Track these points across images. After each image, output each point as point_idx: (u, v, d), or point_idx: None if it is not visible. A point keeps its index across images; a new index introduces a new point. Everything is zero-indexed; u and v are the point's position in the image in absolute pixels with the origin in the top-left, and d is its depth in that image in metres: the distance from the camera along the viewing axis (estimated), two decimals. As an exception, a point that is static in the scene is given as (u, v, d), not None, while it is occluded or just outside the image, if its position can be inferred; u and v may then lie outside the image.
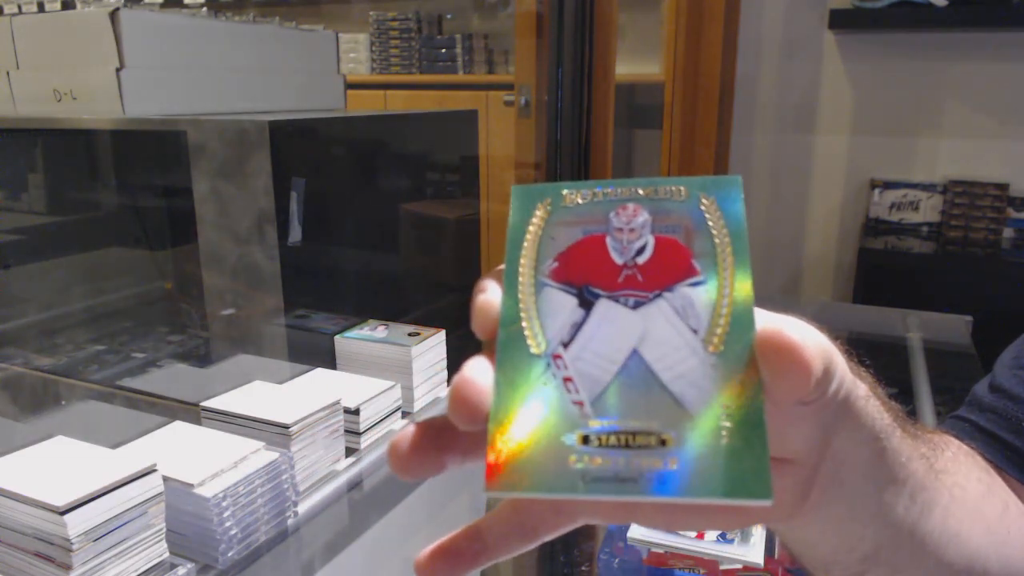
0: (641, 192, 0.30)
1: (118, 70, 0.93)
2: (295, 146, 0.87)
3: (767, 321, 0.25)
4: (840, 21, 1.99)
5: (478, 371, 0.26)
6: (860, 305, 1.89)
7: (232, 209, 0.85)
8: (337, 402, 0.74)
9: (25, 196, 1.16)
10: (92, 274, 1.16)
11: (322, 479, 0.73)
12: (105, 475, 0.54)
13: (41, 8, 1.00)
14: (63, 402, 0.94)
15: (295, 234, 0.86)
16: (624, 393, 0.27)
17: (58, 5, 0.99)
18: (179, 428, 0.68)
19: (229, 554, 0.60)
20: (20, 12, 1.00)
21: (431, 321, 0.95)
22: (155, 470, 0.56)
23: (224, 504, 0.59)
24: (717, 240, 0.29)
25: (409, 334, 0.90)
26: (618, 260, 0.29)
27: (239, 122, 0.84)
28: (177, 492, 0.59)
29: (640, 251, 0.29)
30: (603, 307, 0.28)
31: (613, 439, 0.26)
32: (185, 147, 0.86)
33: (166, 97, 0.98)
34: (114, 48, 0.93)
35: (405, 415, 0.88)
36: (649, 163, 2.55)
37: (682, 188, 0.30)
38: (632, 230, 0.30)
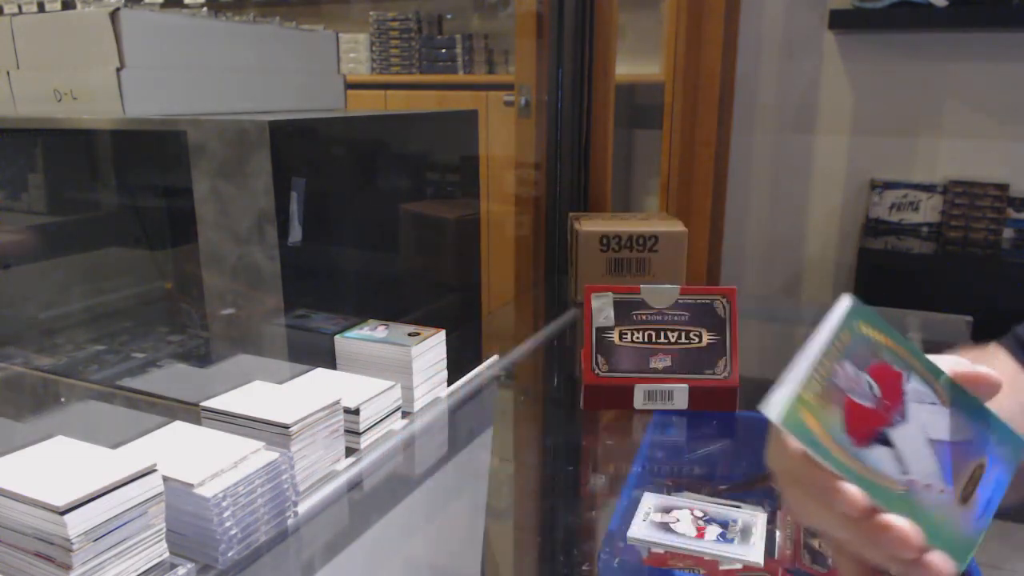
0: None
1: (118, 70, 0.93)
2: (295, 146, 0.87)
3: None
4: (840, 21, 1.99)
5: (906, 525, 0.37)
6: (860, 305, 1.88)
7: (232, 209, 0.85)
8: (337, 402, 0.74)
9: (25, 196, 1.16)
10: (92, 274, 1.16)
11: (322, 479, 0.73)
12: (105, 475, 0.54)
13: (41, 8, 1.00)
14: (63, 402, 0.94)
15: (295, 234, 0.86)
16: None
17: (58, 5, 0.99)
18: (179, 428, 0.68)
19: (229, 554, 0.60)
20: (20, 12, 1.00)
21: (431, 321, 0.95)
22: (155, 470, 0.56)
23: (224, 504, 0.59)
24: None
25: (409, 334, 0.90)
26: (869, 404, 0.38)
27: (239, 122, 0.83)
28: (177, 492, 0.59)
29: (870, 388, 0.39)
30: (901, 433, 0.38)
31: None
32: (185, 147, 0.86)
33: (166, 97, 0.98)
34: (114, 48, 0.93)
35: (405, 415, 0.88)
36: (649, 163, 2.55)
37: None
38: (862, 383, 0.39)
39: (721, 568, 0.60)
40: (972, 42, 1.98)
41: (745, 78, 2.18)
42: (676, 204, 2.03)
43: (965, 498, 0.38)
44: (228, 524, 0.59)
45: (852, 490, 0.37)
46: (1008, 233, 1.98)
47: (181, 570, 0.57)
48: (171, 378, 0.99)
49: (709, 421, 0.90)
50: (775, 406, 0.38)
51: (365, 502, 0.74)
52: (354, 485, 0.75)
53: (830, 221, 2.23)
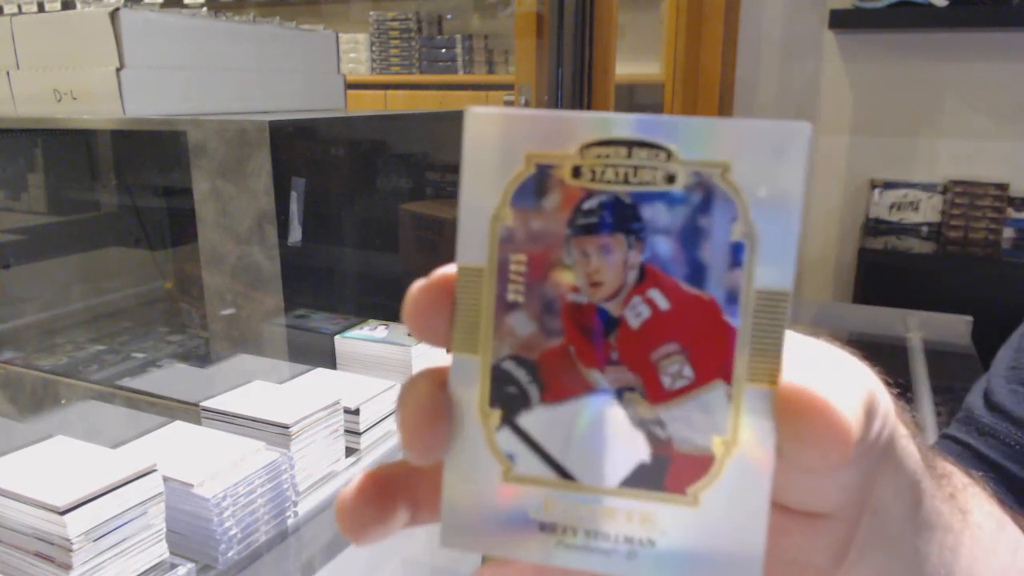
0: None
1: (118, 70, 0.93)
2: (295, 146, 0.87)
3: (789, 373, 0.19)
4: (840, 21, 1.99)
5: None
6: (860, 305, 1.89)
7: (232, 209, 0.85)
8: (337, 402, 0.74)
9: (25, 196, 1.16)
10: (92, 274, 1.16)
11: (322, 479, 0.73)
12: (105, 475, 0.54)
13: (41, 8, 1.00)
14: (63, 402, 0.94)
15: (295, 234, 0.86)
16: None
17: (58, 5, 0.99)
18: (179, 428, 0.68)
19: (229, 554, 0.60)
20: (20, 12, 1.00)
21: (431, 321, 0.95)
22: (155, 470, 0.56)
23: (224, 504, 0.59)
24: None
25: (409, 334, 0.90)
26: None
27: (239, 122, 0.84)
28: (177, 492, 0.59)
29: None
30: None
31: None
32: (185, 147, 0.86)
33: (166, 97, 0.98)
34: (114, 48, 0.93)
35: (405, 415, 0.88)
36: (649, 163, 2.55)
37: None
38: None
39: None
40: (972, 42, 1.98)
41: (745, 78, 2.18)
42: (676, 204, 2.03)
43: None
44: (228, 524, 0.59)
45: None
46: (1008, 233, 1.98)
47: (181, 570, 0.57)
48: (171, 378, 0.99)
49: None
50: None
51: (365, 502, 0.74)
52: (354, 485, 0.75)
53: (830, 221, 2.23)
